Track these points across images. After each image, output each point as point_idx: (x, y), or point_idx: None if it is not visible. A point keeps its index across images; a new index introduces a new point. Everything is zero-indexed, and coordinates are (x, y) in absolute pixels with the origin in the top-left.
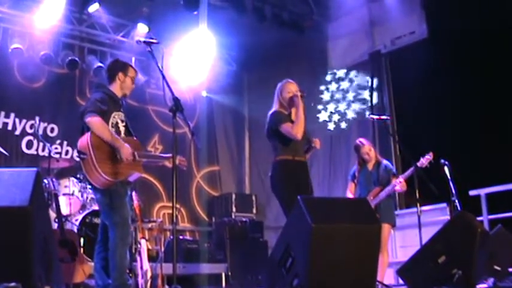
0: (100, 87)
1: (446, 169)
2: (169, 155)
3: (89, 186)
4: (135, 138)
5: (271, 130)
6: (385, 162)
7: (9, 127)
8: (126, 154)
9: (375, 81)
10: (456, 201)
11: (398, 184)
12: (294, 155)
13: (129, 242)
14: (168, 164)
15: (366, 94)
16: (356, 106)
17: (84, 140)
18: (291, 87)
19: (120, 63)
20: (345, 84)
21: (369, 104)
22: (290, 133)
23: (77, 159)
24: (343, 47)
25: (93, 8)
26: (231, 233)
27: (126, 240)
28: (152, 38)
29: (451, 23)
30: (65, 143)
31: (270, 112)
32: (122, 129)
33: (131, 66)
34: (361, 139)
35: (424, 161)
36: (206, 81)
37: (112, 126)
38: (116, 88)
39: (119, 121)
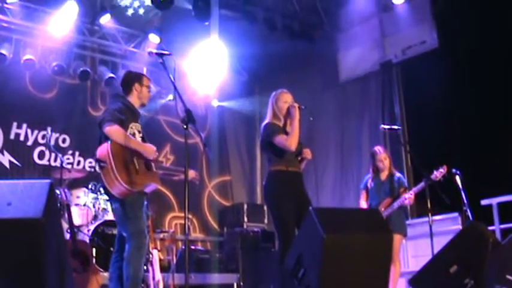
0: (118, 98)
1: (457, 178)
2: None
3: (101, 197)
4: None
5: (264, 142)
6: (398, 174)
7: (22, 138)
8: (151, 153)
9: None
10: (468, 210)
11: (408, 198)
12: (287, 165)
13: (144, 253)
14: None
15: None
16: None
17: (104, 149)
18: (287, 97)
19: (134, 74)
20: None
21: (380, 115)
22: (284, 145)
23: (89, 169)
24: (354, 57)
25: (105, 19)
26: (243, 243)
27: (141, 251)
28: (164, 50)
29: (462, 33)
30: (77, 153)
31: (263, 124)
32: (139, 139)
33: (145, 75)
34: (379, 147)
35: (438, 174)
36: (217, 91)
37: None
38: (133, 99)
39: (136, 132)
